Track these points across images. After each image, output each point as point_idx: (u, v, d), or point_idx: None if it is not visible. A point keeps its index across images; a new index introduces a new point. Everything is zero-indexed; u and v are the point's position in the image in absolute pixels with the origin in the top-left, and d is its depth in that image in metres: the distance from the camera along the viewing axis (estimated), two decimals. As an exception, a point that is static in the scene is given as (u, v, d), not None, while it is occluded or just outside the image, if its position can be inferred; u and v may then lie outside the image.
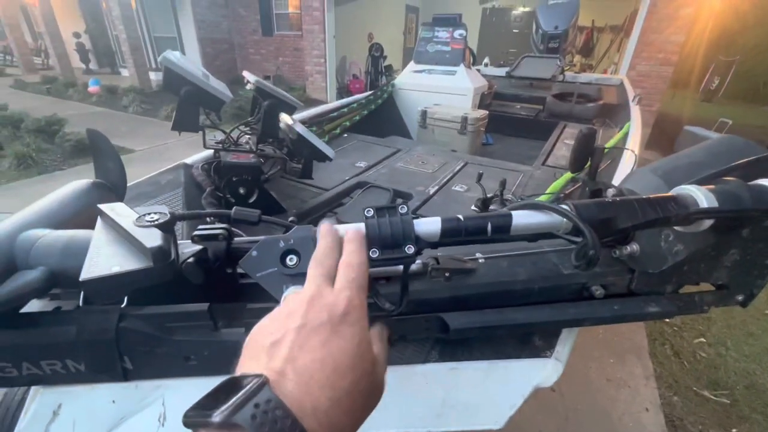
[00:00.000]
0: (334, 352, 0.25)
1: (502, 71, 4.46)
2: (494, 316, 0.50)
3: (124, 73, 9.81)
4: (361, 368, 0.26)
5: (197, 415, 0.21)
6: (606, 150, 1.52)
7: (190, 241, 0.49)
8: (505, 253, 0.58)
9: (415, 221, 0.37)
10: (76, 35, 11.04)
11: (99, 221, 0.48)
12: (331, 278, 0.31)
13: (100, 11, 10.49)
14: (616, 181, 1.26)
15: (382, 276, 0.51)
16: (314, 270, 0.32)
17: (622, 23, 8.10)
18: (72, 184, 0.61)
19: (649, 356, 1.92)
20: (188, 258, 0.48)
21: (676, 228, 0.47)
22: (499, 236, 0.39)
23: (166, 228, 0.44)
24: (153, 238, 0.42)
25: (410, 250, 0.36)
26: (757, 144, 0.53)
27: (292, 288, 0.34)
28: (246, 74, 1.66)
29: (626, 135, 2.31)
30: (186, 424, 0.22)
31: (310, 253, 0.35)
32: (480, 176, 1.33)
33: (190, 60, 1.36)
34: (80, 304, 0.47)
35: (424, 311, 0.50)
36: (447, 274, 0.52)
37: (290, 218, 1.08)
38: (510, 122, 3.83)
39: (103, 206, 0.49)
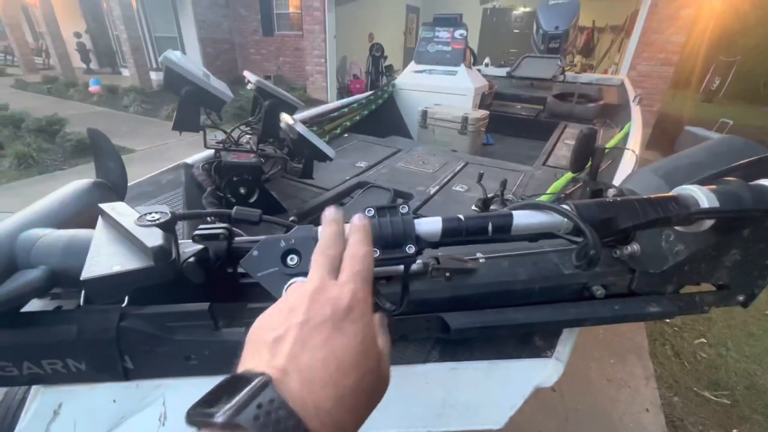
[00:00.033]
0: (338, 350, 0.25)
1: (502, 71, 4.45)
2: (495, 316, 0.50)
3: (125, 72, 9.82)
4: (365, 366, 0.26)
5: (200, 413, 0.21)
6: (607, 150, 1.52)
7: (190, 240, 0.49)
8: (506, 253, 0.58)
9: (415, 221, 0.37)
10: (77, 35, 11.06)
11: (100, 220, 0.48)
12: (336, 269, 0.30)
13: (100, 11, 10.50)
14: (617, 181, 1.26)
15: (382, 276, 0.51)
16: (318, 260, 0.31)
17: (622, 23, 8.10)
18: (73, 183, 0.61)
19: (650, 356, 1.92)
20: (189, 257, 0.48)
21: (677, 228, 0.47)
22: (500, 236, 0.39)
23: (167, 227, 0.44)
24: (154, 238, 0.42)
25: (411, 249, 0.36)
26: (758, 144, 0.53)
27: (296, 279, 0.34)
28: (247, 74, 1.66)
29: (627, 135, 2.31)
30: (189, 422, 0.22)
31: (311, 252, 0.35)
32: (481, 176, 1.33)
33: (190, 60, 1.36)
34: (81, 303, 0.47)
35: (425, 311, 0.50)
36: (447, 274, 0.52)
37: (291, 218, 1.08)
38: (510, 122, 3.82)
39: (104, 206, 0.49)
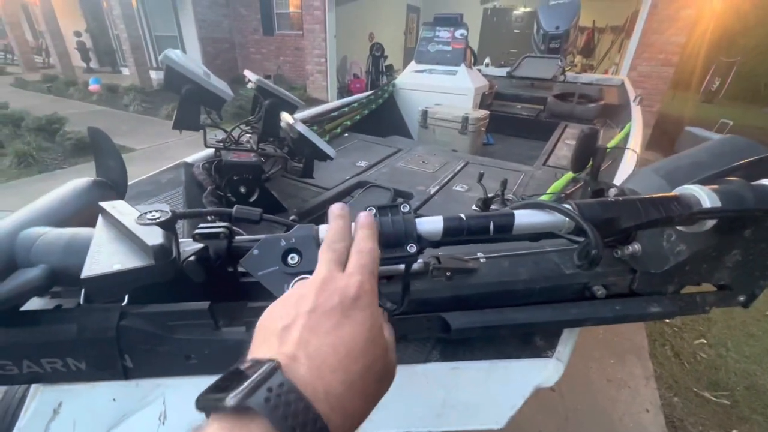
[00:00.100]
0: (346, 335, 0.25)
1: (503, 71, 4.45)
2: (495, 315, 0.50)
3: (125, 71, 9.81)
4: (373, 352, 0.26)
5: (210, 398, 0.21)
6: (608, 150, 1.52)
7: (191, 239, 0.49)
8: (507, 252, 0.58)
9: (417, 220, 0.37)
10: (77, 34, 11.04)
11: (100, 219, 0.48)
12: (342, 263, 0.31)
13: (101, 10, 10.49)
14: (618, 181, 1.26)
15: (383, 275, 0.51)
16: (325, 254, 0.31)
17: (623, 24, 8.10)
18: (73, 182, 0.61)
19: (650, 357, 1.92)
20: (189, 256, 0.48)
21: (678, 228, 0.47)
22: (501, 236, 0.39)
23: (168, 226, 0.44)
24: (154, 236, 0.42)
25: (412, 248, 0.36)
26: (760, 144, 0.53)
27: (301, 277, 0.34)
28: (247, 73, 1.65)
29: (627, 135, 2.31)
30: (199, 408, 0.22)
31: (312, 252, 0.35)
32: (481, 176, 1.33)
33: (191, 58, 1.36)
34: (81, 302, 0.47)
35: (426, 311, 0.50)
36: (448, 274, 0.52)
37: (291, 217, 1.08)
38: (511, 122, 3.82)
39: (104, 204, 0.49)
